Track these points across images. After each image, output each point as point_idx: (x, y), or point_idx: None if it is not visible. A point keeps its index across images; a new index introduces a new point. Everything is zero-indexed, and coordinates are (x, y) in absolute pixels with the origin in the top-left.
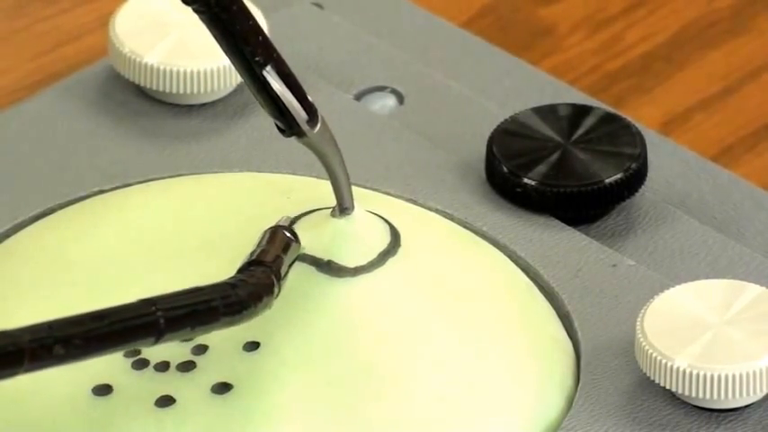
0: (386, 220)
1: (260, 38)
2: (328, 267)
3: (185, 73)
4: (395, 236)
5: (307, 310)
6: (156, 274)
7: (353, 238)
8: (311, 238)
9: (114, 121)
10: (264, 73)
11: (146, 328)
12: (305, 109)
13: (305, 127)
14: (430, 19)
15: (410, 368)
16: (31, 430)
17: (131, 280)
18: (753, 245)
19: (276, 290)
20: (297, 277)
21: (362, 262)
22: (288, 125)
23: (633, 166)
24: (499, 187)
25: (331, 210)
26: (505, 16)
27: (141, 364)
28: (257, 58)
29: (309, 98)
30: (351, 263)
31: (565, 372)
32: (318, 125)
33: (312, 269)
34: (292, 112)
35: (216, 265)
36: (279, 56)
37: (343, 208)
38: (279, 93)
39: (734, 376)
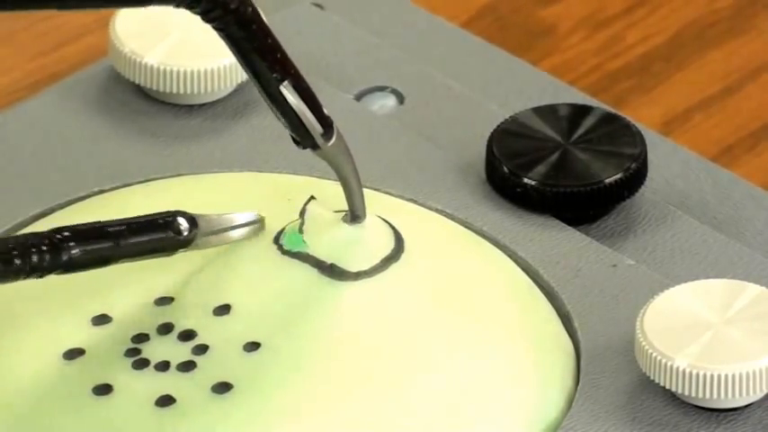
0: (390, 225)
1: (278, 54)
2: (331, 271)
3: (185, 73)
4: (399, 241)
5: (307, 312)
6: (155, 273)
7: (359, 243)
8: (316, 241)
9: (114, 121)
10: (281, 88)
11: None
12: (321, 122)
13: (320, 140)
14: (430, 19)
15: (410, 368)
16: (31, 430)
17: (131, 279)
18: (753, 245)
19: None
20: (298, 278)
21: (365, 267)
22: (303, 138)
23: (633, 166)
24: (499, 187)
25: (342, 215)
26: (505, 16)
27: (141, 364)
28: (275, 75)
29: (326, 111)
30: (354, 267)
31: (565, 372)
32: (334, 138)
33: (314, 271)
34: (308, 126)
35: (216, 261)
36: (297, 71)
37: (355, 216)
38: (295, 107)
39: (734, 376)
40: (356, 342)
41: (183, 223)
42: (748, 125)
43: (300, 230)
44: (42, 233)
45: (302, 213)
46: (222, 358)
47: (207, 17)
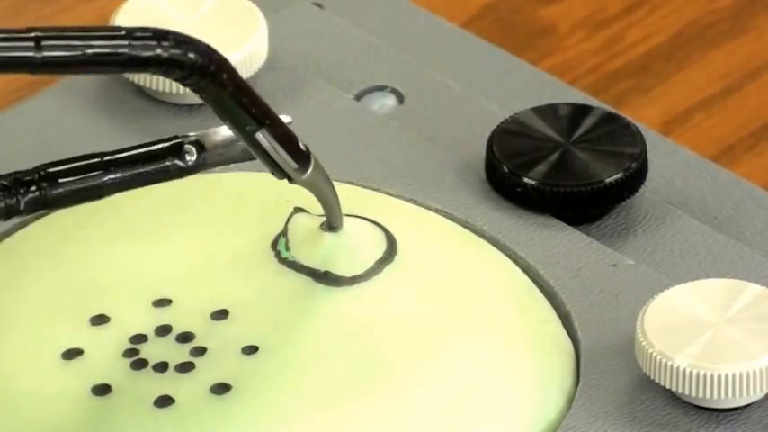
0: (381, 227)
1: (253, 109)
2: (325, 278)
3: None
4: (390, 243)
5: (306, 318)
6: (154, 273)
7: (349, 248)
8: (307, 251)
9: (114, 121)
10: (256, 136)
11: None
12: (295, 159)
13: (293, 174)
14: (430, 19)
15: (410, 369)
16: (30, 430)
17: (130, 279)
18: (753, 245)
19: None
20: (294, 287)
21: (359, 271)
22: (277, 173)
23: (633, 166)
24: (499, 187)
25: (320, 224)
26: (505, 16)
27: (140, 365)
28: (248, 127)
29: (302, 145)
30: (348, 272)
31: (565, 372)
32: (309, 170)
33: (309, 280)
34: (282, 165)
35: (214, 266)
36: (273, 118)
37: (332, 227)
38: (269, 152)
39: (734, 376)
40: (355, 344)
41: (191, 150)
42: (748, 125)
43: (287, 248)
44: (26, 171)
45: (285, 233)
46: (220, 360)
47: (184, 83)
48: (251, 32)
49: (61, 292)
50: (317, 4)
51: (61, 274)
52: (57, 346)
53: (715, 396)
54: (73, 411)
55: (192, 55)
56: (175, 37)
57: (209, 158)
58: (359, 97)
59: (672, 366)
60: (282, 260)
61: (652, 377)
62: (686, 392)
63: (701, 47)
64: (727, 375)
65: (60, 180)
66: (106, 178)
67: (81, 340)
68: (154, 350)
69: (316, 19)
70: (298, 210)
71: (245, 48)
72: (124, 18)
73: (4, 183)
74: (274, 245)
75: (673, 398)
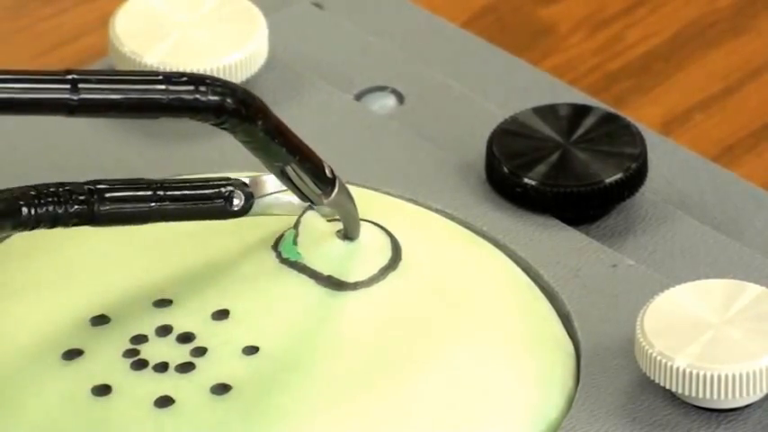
0: (387, 233)
1: (284, 149)
2: (328, 282)
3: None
4: (396, 250)
5: (306, 321)
6: (154, 273)
7: (355, 255)
8: (312, 253)
9: (114, 121)
10: (285, 169)
11: None
12: (321, 187)
13: (317, 200)
14: (430, 19)
15: (410, 369)
16: (30, 430)
17: (130, 279)
18: (753, 245)
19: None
20: (296, 288)
21: (363, 277)
22: (302, 199)
23: (633, 166)
24: (499, 187)
25: (337, 229)
26: (505, 16)
27: (140, 365)
28: (277, 163)
29: (328, 172)
30: (351, 278)
31: (565, 372)
32: (333, 193)
33: (312, 282)
34: (307, 193)
35: (215, 266)
36: (302, 153)
37: (348, 237)
38: (296, 183)
39: (734, 376)
40: (355, 346)
41: (240, 195)
42: (748, 125)
43: (295, 242)
44: (78, 183)
45: (297, 225)
46: (221, 360)
47: (217, 126)
48: (251, 32)
49: (61, 292)
50: (317, 4)
51: (61, 274)
52: (57, 347)
53: (715, 396)
54: (73, 412)
55: (229, 100)
56: (212, 82)
57: (256, 206)
58: (359, 97)
59: (672, 366)
60: (284, 261)
61: (652, 377)
62: (686, 393)
63: (700, 47)
64: (727, 375)
65: (109, 197)
66: (154, 205)
67: (81, 340)
68: (154, 350)
69: (315, 19)
70: (310, 207)
71: (245, 48)
72: (124, 18)
73: (54, 190)
74: (275, 245)
75: (673, 398)
